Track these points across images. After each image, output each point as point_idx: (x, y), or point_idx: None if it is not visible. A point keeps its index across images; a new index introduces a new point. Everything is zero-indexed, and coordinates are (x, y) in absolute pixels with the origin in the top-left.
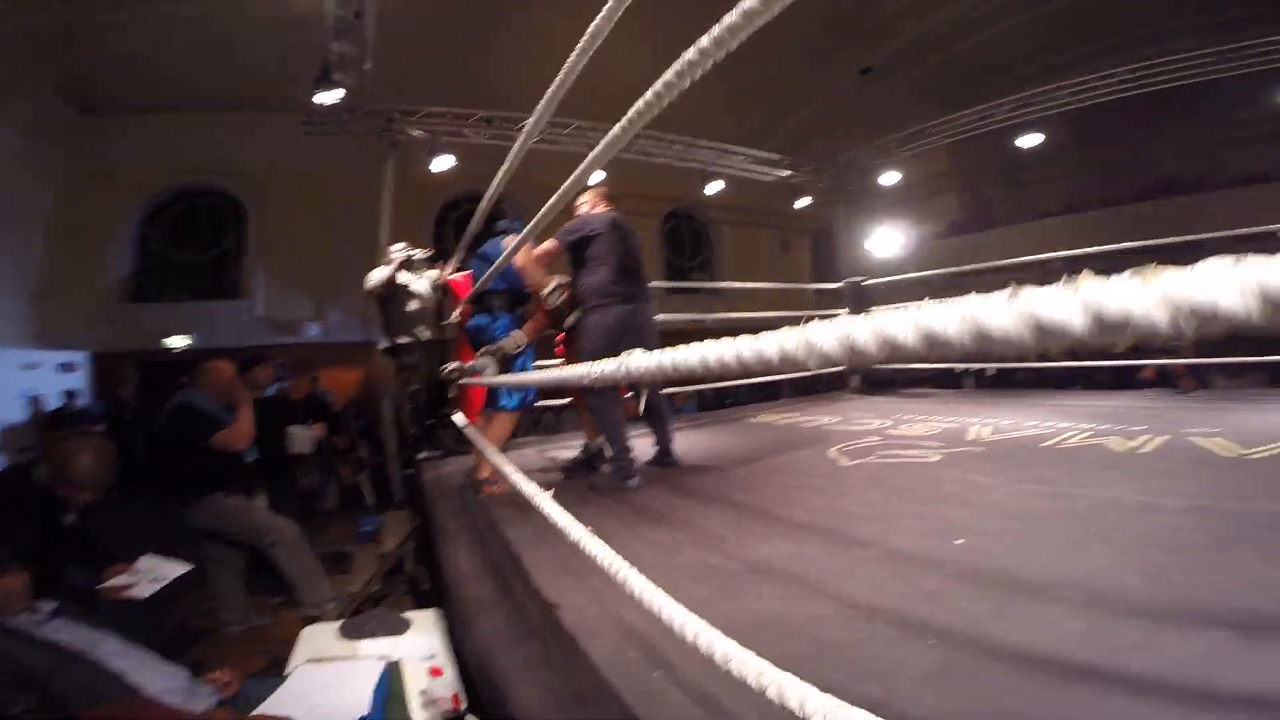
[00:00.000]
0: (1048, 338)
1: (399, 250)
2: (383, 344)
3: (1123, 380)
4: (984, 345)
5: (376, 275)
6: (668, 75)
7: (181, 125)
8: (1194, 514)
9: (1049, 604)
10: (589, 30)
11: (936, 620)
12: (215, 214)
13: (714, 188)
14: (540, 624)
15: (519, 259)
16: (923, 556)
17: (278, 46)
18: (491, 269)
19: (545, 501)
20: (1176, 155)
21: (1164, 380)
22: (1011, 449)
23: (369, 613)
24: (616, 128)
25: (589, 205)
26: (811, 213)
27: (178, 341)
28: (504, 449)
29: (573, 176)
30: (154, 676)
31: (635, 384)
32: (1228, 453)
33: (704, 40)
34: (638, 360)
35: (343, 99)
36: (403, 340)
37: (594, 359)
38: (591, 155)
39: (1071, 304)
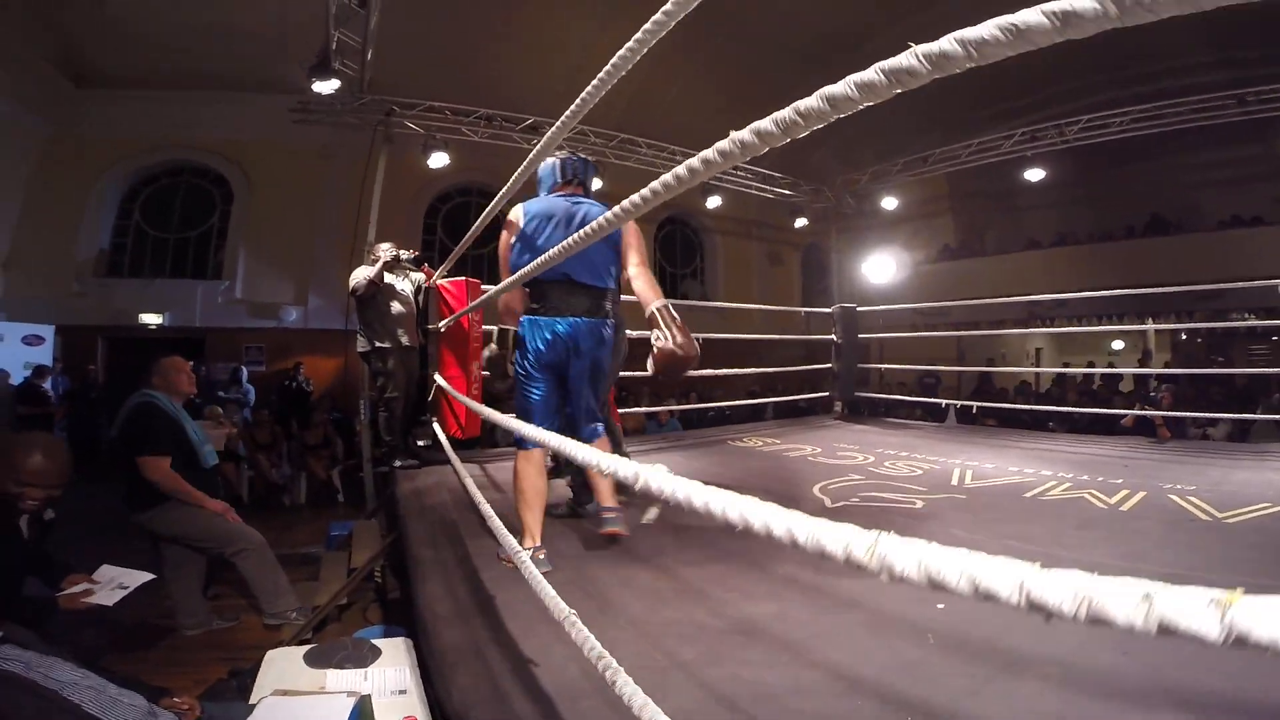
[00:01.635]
0: None
1: (386, 249)
2: (361, 346)
3: (1102, 424)
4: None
5: (360, 274)
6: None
7: (175, 101)
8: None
9: (1025, 680)
10: (627, 46)
11: (915, 694)
12: (201, 192)
13: (713, 201)
14: (520, 682)
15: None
16: (905, 621)
17: (278, 29)
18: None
19: (527, 564)
20: (1169, 194)
21: (1142, 427)
22: (995, 499)
23: (337, 640)
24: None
25: None
26: (804, 229)
27: (150, 319)
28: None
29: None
30: (112, 708)
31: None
32: (1205, 515)
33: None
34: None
35: (339, 89)
36: (382, 345)
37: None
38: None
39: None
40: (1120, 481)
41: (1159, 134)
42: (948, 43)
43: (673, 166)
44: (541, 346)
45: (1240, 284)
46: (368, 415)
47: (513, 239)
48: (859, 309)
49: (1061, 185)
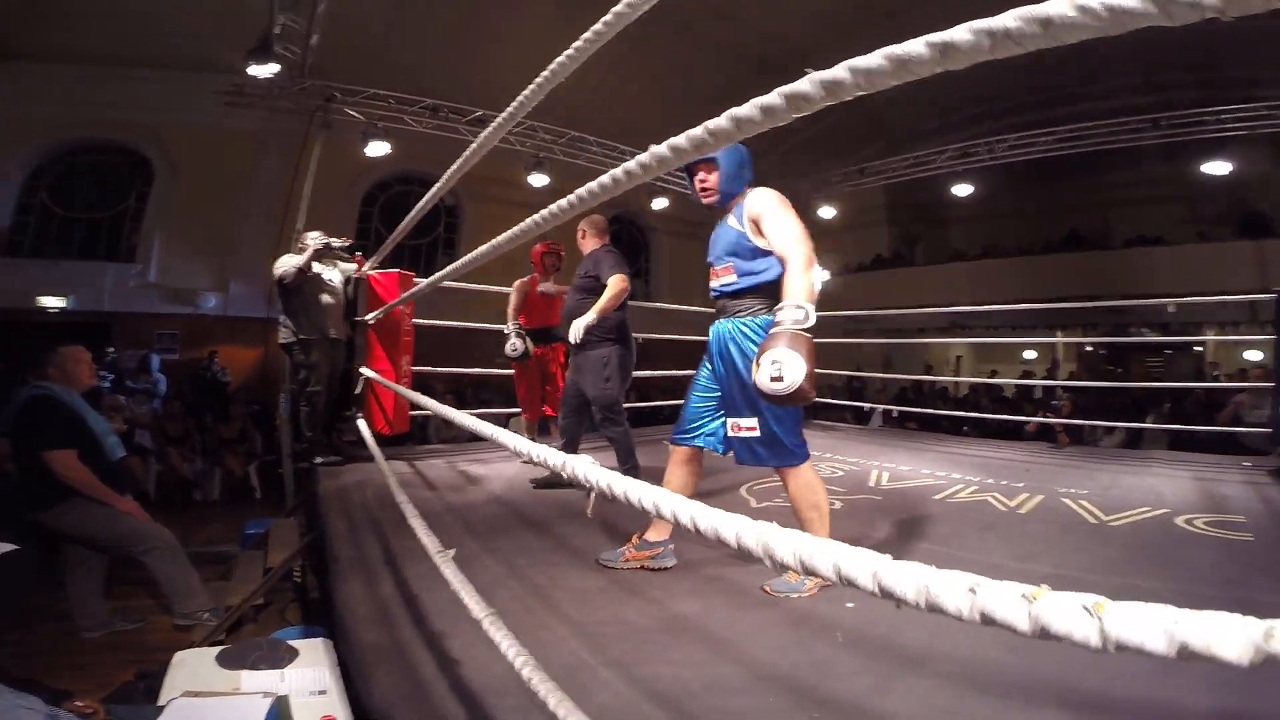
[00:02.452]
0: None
1: (315, 238)
2: (283, 337)
3: (1009, 430)
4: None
5: (288, 262)
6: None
7: (100, 78)
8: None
9: (924, 677)
10: (576, 44)
11: (824, 690)
12: (117, 172)
13: (660, 203)
14: (444, 681)
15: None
16: (817, 619)
17: (216, 8)
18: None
19: (450, 568)
20: (1086, 212)
21: (1043, 434)
22: (908, 500)
23: (251, 641)
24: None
25: (605, 238)
26: None
27: (52, 302)
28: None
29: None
30: (8, 714)
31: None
32: (1092, 518)
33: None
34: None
35: (278, 74)
36: (306, 336)
37: (622, 387)
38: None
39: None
40: (1021, 485)
41: (1080, 154)
42: (841, 70)
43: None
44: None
45: (1137, 301)
46: (288, 409)
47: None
48: None
49: (989, 200)
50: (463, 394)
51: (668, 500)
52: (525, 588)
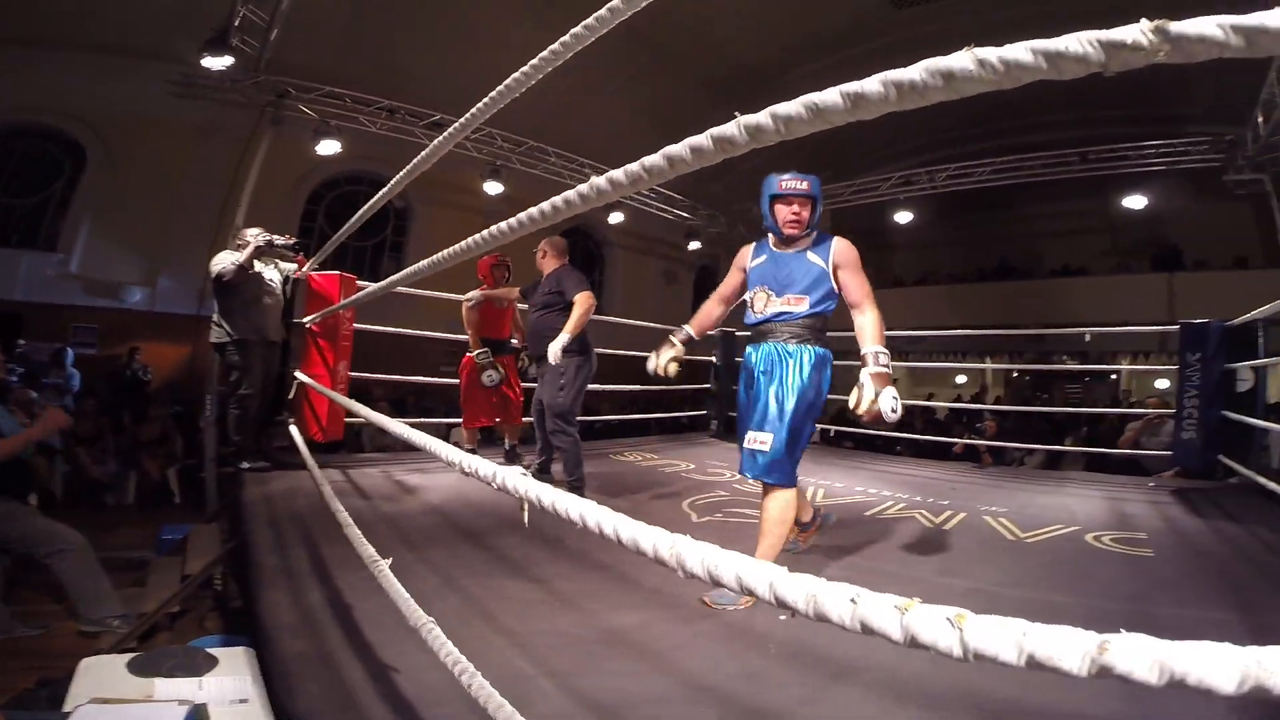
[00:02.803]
0: None
1: (254, 235)
2: (216, 336)
3: (939, 450)
4: None
5: (227, 259)
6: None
7: (39, 61)
8: (976, 599)
9: (852, 687)
10: (534, 61)
11: (756, 702)
12: (44, 158)
13: (616, 218)
14: (375, 689)
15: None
16: (752, 632)
17: None
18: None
19: (386, 575)
20: (1018, 242)
21: (969, 454)
22: (840, 516)
23: (165, 648)
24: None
25: (565, 257)
26: (698, 251)
27: None
28: None
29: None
30: None
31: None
32: (1011, 535)
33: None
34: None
35: (231, 66)
36: (243, 337)
37: (578, 398)
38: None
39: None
40: (947, 503)
41: (1014, 185)
42: (764, 116)
43: (579, 178)
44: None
45: (1057, 330)
46: (214, 411)
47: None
48: (738, 333)
49: (928, 228)
50: (403, 402)
51: (593, 513)
52: (462, 599)
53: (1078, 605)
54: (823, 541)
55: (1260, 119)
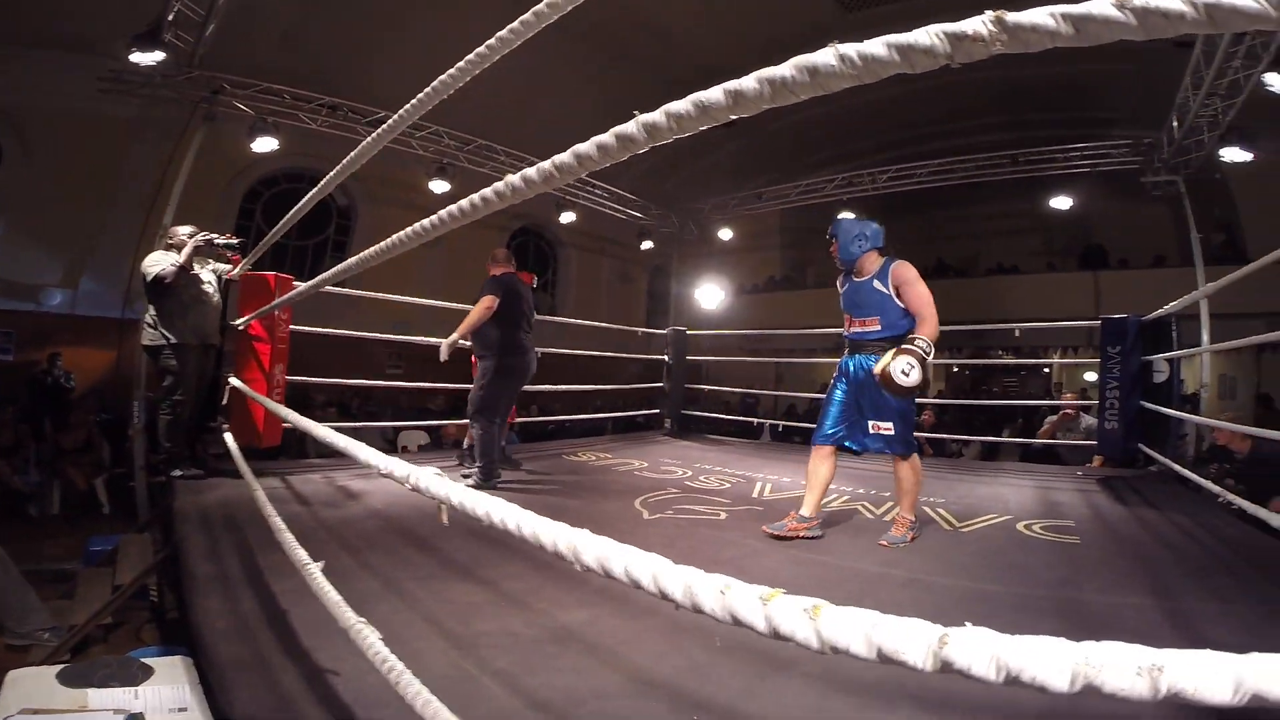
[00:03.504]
0: None
1: (189, 233)
2: (150, 339)
3: None
4: None
5: (164, 260)
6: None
7: None
8: (913, 588)
9: (792, 678)
10: (484, 46)
11: (702, 694)
12: None
13: (567, 218)
14: (313, 693)
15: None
16: (698, 627)
17: None
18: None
19: (319, 578)
20: (956, 242)
21: None
22: (786, 509)
23: (98, 659)
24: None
25: (504, 266)
26: (651, 250)
27: None
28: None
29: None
30: None
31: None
32: (948, 525)
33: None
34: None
35: (163, 61)
36: (180, 340)
37: (506, 396)
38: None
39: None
40: (888, 495)
41: (952, 186)
42: (659, 115)
43: None
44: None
45: (993, 325)
46: (142, 418)
47: None
48: (690, 332)
49: None
50: (347, 406)
51: (499, 509)
52: (405, 602)
53: (1007, 593)
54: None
55: (1175, 123)
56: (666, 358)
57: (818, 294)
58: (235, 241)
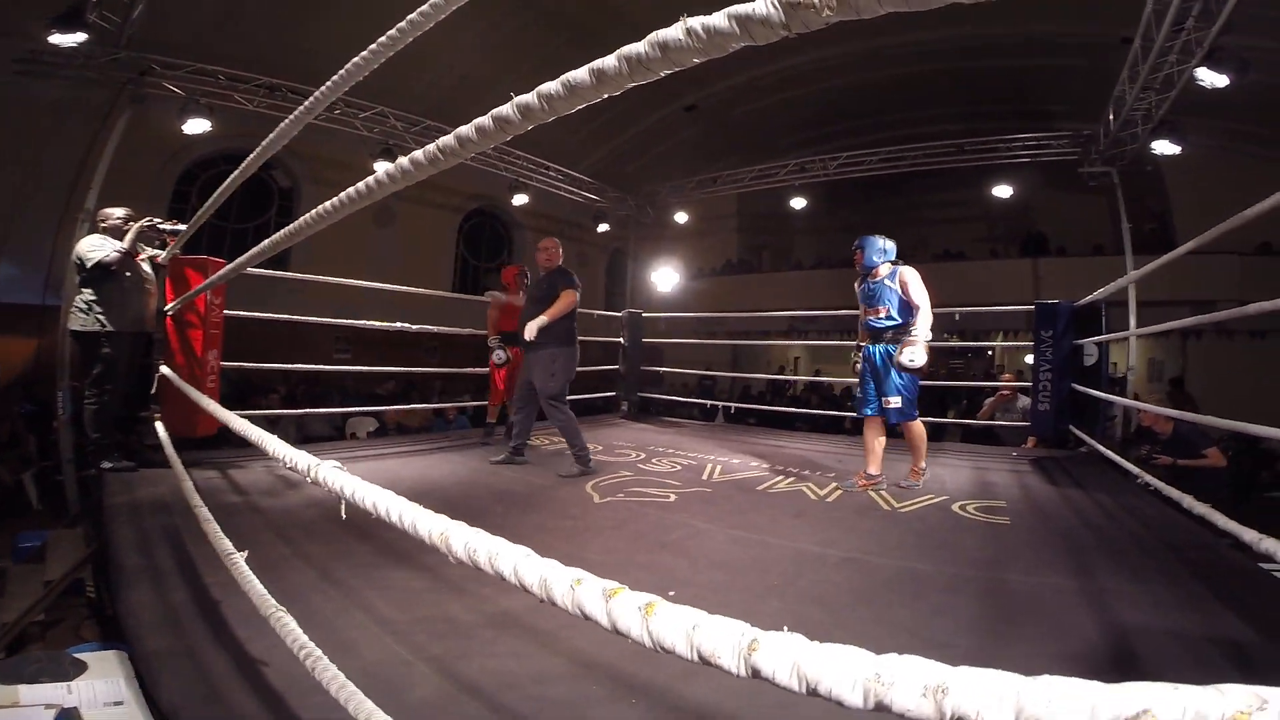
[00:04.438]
0: None
1: (123, 215)
2: (83, 325)
3: (833, 425)
4: None
5: (105, 245)
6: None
7: None
8: (847, 567)
9: None
10: (408, 19)
11: (642, 678)
12: None
13: (520, 199)
14: (243, 682)
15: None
16: None
17: None
18: None
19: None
20: (906, 228)
21: (856, 428)
22: (733, 492)
23: (28, 654)
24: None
25: (553, 255)
26: (608, 233)
27: None
28: None
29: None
30: None
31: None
32: (886, 505)
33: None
34: None
35: (86, 42)
36: (114, 328)
37: (565, 385)
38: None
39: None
40: (832, 476)
41: (901, 174)
42: (531, 96)
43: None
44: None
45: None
46: (68, 409)
47: None
48: (645, 315)
49: (823, 214)
50: (293, 393)
51: (383, 500)
52: (340, 590)
53: (938, 573)
54: (717, 514)
55: (1111, 115)
56: (623, 340)
57: (772, 277)
58: (181, 227)
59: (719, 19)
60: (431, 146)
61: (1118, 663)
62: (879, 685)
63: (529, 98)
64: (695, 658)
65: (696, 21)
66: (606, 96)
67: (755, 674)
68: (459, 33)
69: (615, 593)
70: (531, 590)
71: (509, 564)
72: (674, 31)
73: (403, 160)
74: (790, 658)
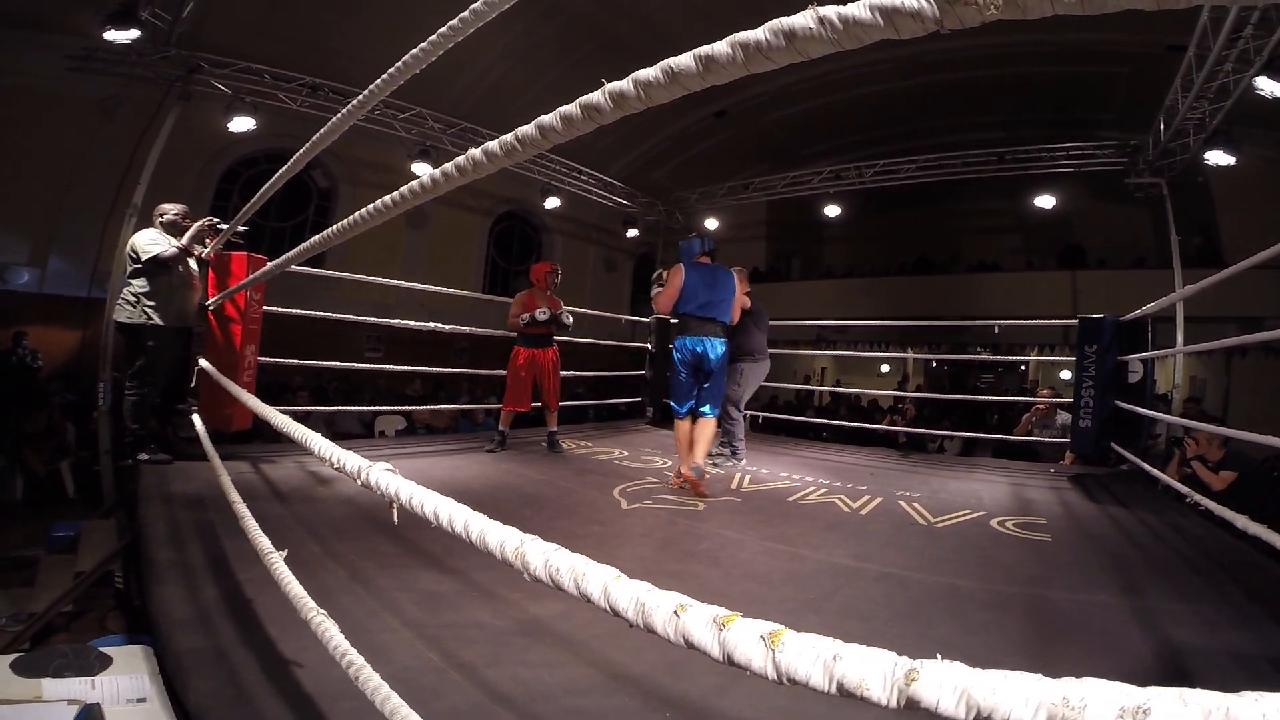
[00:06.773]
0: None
1: (179, 212)
2: (130, 317)
3: (862, 436)
4: None
5: (163, 240)
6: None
7: None
8: (886, 582)
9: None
10: (448, 25)
11: (676, 692)
12: None
13: (552, 203)
14: (273, 685)
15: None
16: None
17: None
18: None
19: (281, 568)
20: (939, 237)
21: (889, 440)
22: (764, 502)
23: (53, 647)
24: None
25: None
26: (637, 239)
27: None
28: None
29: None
30: None
31: None
32: (922, 520)
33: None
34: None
35: (139, 40)
36: (162, 322)
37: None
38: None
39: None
40: (865, 488)
41: (937, 182)
42: (626, 83)
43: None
44: (686, 354)
45: (972, 322)
46: (108, 399)
47: (681, 287)
48: (673, 321)
49: (856, 222)
50: (324, 390)
51: (446, 509)
52: (370, 591)
53: (979, 590)
54: (748, 525)
55: (1162, 125)
56: (650, 346)
57: (802, 286)
58: (244, 229)
59: (858, 9)
60: (509, 136)
61: (1173, 682)
62: (1068, 710)
63: (623, 84)
64: (834, 690)
65: (831, 11)
66: (712, 84)
67: (911, 705)
68: (494, 38)
69: (728, 620)
70: (625, 615)
71: (597, 585)
72: (803, 20)
73: (474, 152)
74: (956, 685)
